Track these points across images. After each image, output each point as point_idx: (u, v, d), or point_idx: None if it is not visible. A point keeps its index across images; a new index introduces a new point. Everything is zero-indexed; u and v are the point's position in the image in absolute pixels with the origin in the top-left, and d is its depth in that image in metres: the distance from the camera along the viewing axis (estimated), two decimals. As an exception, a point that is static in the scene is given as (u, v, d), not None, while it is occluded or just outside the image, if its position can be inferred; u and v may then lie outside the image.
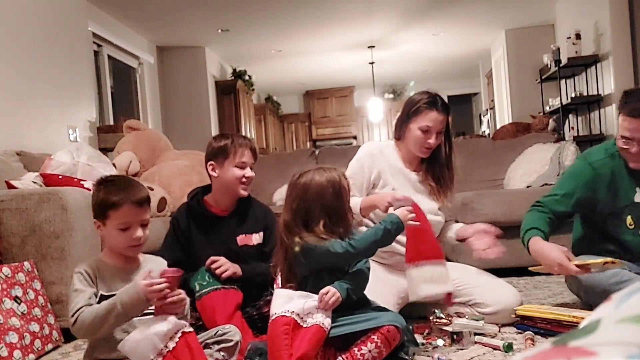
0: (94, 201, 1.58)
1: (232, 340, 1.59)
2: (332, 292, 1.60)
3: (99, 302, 1.49)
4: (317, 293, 1.61)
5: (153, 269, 1.53)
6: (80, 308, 1.45)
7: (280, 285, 1.72)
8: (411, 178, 2.25)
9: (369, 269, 1.76)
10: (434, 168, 2.25)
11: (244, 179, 2.10)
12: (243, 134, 7.37)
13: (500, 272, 2.62)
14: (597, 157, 2.12)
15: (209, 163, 2.14)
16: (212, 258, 2.00)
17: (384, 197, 1.96)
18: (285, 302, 1.61)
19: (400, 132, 2.25)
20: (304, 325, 1.56)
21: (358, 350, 1.57)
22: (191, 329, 1.53)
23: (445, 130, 2.19)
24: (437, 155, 2.22)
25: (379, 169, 2.22)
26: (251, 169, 2.13)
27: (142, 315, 1.52)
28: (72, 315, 1.46)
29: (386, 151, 2.27)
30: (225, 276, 1.98)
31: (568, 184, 2.16)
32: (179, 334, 1.48)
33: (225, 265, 1.99)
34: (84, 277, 1.52)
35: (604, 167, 2.09)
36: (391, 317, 1.65)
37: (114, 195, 1.53)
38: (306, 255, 1.65)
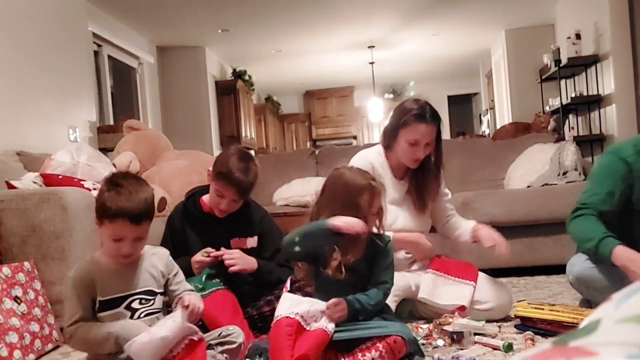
0: (97, 200, 1.50)
1: (235, 342, 1.57)
2: (341, 307, 1.59)
3: (98, 308, 1.48)
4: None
5: (155, 264, 1.54)
6: (77, 322, 1.46)
7: (288, 289, 1.72)
8: (398, 189, 2.23)
9: (387, 295, 1.74)
10: (418, 177, 2.22)
11: (221, 206, 2.09)
12: (243, 134, 7.38)
13: (500, 272, 2.62)
14: (628, 153, 2.05)
15: (210, 169, 2.11)
16: (225, 251, 2.02)
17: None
18: (292, 305, 1.60)
19: (388, 141, 2.21)
20: (308, 329, 1.56)
21: (362, 356, 1.55)
22: (201, 335, 1.50)
23: (435, 139, 2.15)
24: (426, 164, 2.20)
25: None
26: (235, 201, 2.07)
27: (147, 315, 1.52)
28: (69, 326, 1.46)
29: (377, 164, 2.23)
30: (232, 271, 1.98)
31: (607, 181, 2.04)
32: (186, 341, 1.47)
33: (235, 260, 2.00)
34: (81, 286, 1.49)
35: (636, 163, 2.03)
36: (399, 327, 1.62)
37: (114, 205, 1.44)
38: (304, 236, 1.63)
